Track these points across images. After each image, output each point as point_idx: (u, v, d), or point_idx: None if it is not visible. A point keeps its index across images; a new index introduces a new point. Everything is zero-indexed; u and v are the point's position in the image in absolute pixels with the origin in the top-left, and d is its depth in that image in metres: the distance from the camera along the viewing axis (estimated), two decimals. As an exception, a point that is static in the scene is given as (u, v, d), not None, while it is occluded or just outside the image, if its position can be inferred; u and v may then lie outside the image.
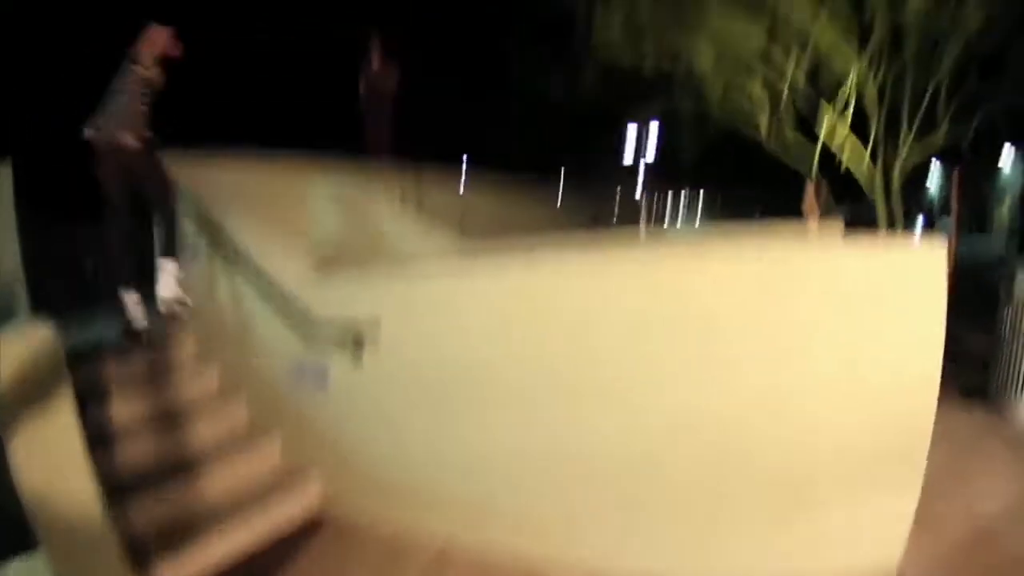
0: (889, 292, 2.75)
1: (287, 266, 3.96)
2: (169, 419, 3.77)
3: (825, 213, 6.18)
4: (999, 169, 31.65)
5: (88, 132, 3.90)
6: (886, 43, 5.61)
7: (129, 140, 3.88)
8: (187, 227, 4.32)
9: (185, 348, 4.28)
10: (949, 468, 4.15)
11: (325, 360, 3.69)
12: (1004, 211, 34.49)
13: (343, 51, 7.13)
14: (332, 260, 4.38)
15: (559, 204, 11.71)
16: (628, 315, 2.96)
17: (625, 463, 3.05)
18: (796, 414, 2.81)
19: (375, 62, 6.66)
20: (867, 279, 2.76)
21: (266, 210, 4.47)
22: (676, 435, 2.92)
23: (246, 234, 4.10)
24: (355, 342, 3.54)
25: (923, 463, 2.87)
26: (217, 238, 4.17)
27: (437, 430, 3.51)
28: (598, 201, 12.30)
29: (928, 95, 5.91)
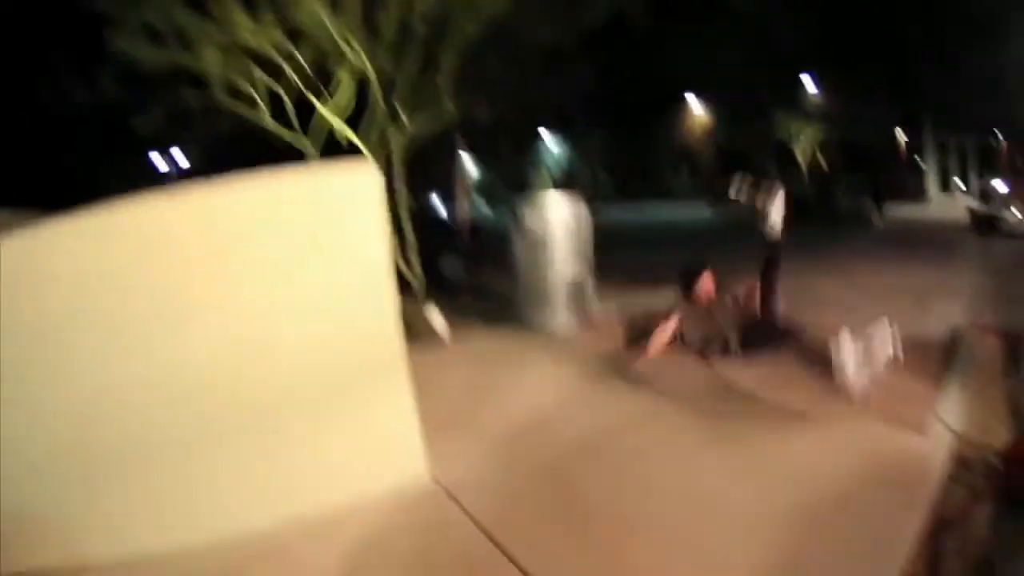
0: (331, 213, 2.80)
1: None
2: None
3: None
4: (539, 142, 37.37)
5: None
6: (394, 30, 6.18)
7: None
8: None
9: None
10: (484, 381, 4.98)
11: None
12: (545, 176, 40.65)
13: None
14: None
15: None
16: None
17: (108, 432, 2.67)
18: (268, 350, 2.77)
19: None
20: (306, 204, 2.77)
21: None
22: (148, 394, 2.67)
23: None
24: None
25: (405, 376, 3.10)
26: None
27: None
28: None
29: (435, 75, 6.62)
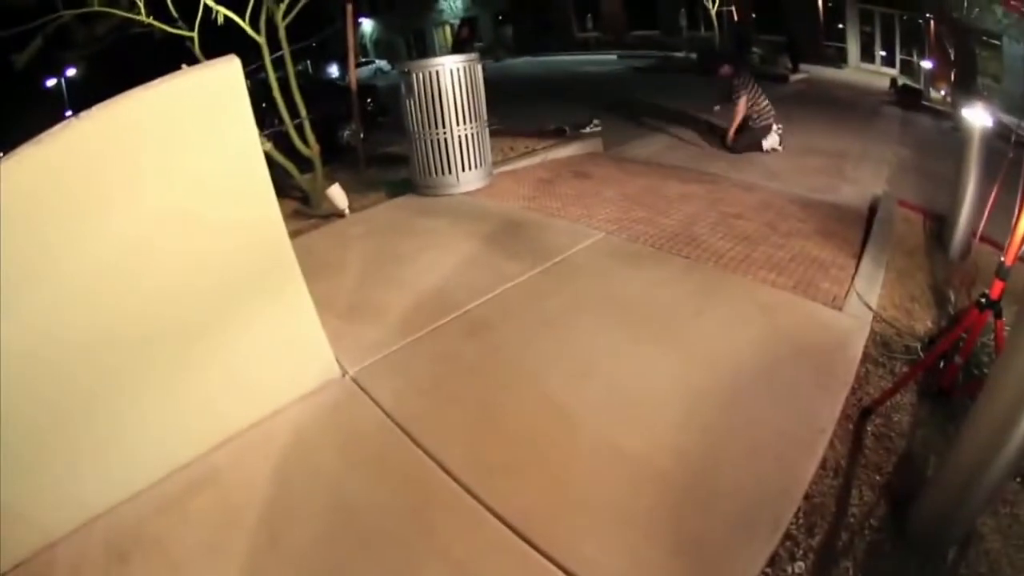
0: (197, 113, 2.72)
1: None
2: None
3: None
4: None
5: None
6: None
7: None
8: None
9: None
10: (385, 252, 4.98)
11: None
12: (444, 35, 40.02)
13: None
14: None
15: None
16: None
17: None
18: (147, 276, 2.70)
19: None
20: (178, 108, 2.67)
21: None
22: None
23: None
24: None
25: (297, 271, 3.11)
26: None
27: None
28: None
29: None
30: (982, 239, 4.29)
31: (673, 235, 4.79)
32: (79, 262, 2.50)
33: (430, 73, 6.03)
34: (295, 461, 2.81)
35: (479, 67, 6.34)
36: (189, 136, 2.71)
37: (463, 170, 6.36)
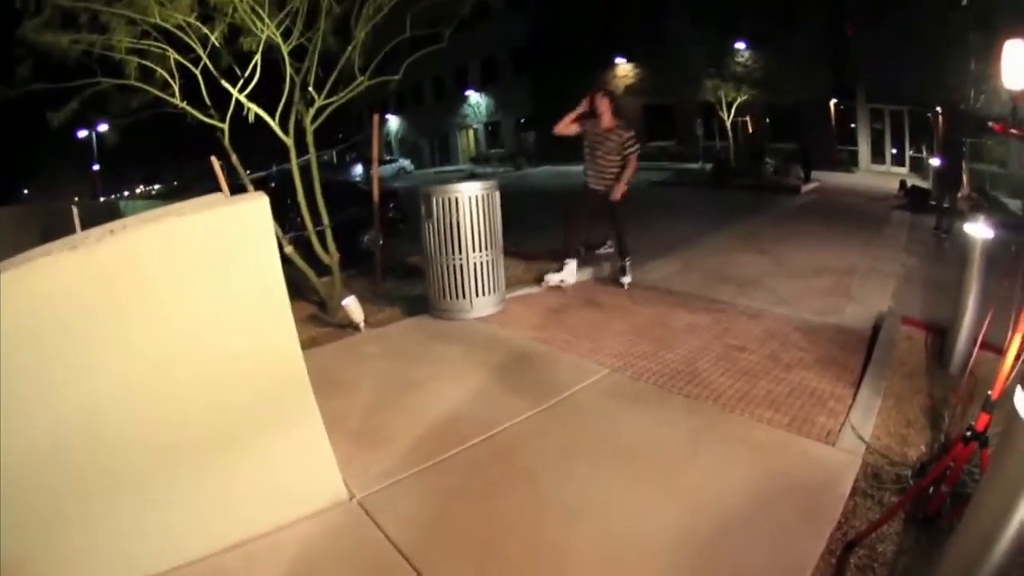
0: (224, 245, 2.93)
1: None
2: None
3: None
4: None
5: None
6: (303, 11, 6.38)
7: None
8: None
9: None
10: (397, 374, 5.13)
11: None
12: (467, 142, 41.02)
13: None
14: None
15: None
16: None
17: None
18: (169, 389, 2.88)
19: None
20: (201, 239, 2.88)
21: None
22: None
23: None
24: None
25: (309, 394, 3.27)
26: None
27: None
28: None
29: (347, 54, 6.80)
30: (983, 346, 4.26)
31: (676, 372, 4.92)
32: (86, 373, 2.66)
33: (449, 199, 6.26)
34: (299, 575, 2.92)
35: (496, 195, 6.54)
36: (213, 267, 2.90)
37: (477, 296, 6.50)
